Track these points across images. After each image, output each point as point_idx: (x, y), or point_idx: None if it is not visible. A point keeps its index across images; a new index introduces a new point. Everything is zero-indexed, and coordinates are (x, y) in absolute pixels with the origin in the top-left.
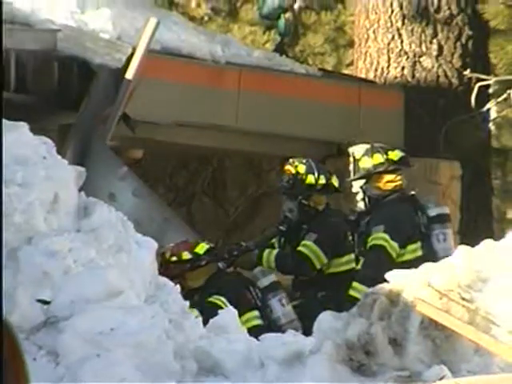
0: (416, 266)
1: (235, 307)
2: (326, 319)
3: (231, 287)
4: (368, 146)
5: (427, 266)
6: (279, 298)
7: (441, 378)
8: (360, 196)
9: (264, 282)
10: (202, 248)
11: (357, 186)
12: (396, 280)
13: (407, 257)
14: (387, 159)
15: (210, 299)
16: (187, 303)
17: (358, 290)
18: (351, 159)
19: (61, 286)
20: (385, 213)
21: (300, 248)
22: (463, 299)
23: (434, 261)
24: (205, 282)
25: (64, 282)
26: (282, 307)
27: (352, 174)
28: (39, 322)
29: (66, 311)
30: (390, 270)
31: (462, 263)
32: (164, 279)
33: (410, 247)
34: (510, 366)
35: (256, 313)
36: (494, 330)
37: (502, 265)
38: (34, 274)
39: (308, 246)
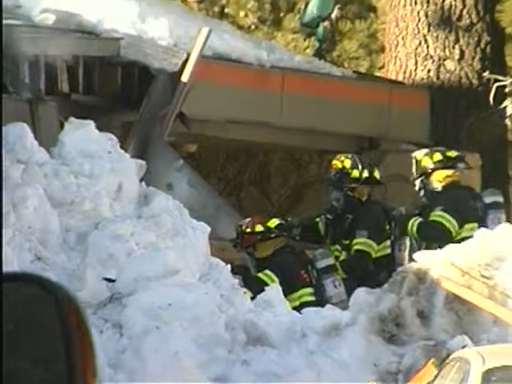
0: None
1: (291, 283)
2: (360, 295)
3: (290, 264)
4: (427, 149)
5: (451, 248)
6: (333, 280)
7: (463, 347)
8: (422, 193)
9: (322, 263)
10: (273, 223)
11: (419, 185)
12: (423, 260)
13: (465, 234)
14: (445, 156)
15: (259, 275)
16: (237, 281)
17: None
18: (413, 161)
19: (124, 266)
20: (443, 198)
21: (359, 247)
22: (483, 276)
23: None
24: (273, 252)
25: (127, 263)
26: (334, 288)
27: (414, 173)
28: (105, 298)
29: (129, 288)
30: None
31: (482, 244)
32: (216, 259)
33: (467, 226)
34: None
35: (310, 290)
36: (511, 304)
37: None
38: (101, 255)
39: (365, 244)
